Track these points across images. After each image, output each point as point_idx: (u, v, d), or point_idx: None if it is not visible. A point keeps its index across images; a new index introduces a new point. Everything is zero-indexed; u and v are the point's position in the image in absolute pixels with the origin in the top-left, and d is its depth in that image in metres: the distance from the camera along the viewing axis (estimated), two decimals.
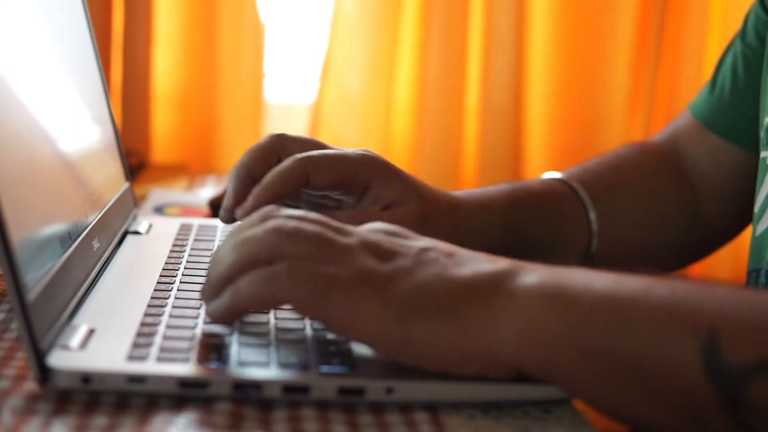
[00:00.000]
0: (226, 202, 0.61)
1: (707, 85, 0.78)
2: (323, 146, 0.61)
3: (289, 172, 0.58)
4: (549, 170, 0.75)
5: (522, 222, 0.67)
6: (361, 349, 0.48)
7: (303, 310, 0.45)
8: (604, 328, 0.43)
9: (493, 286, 0.46)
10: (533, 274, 0.46)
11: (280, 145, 0.61)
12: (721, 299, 0.43)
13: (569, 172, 0.74)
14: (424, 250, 0.48)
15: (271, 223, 0.47)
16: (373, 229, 0.49)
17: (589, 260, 0.71)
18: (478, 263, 0.47)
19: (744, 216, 0.77)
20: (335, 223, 0.48)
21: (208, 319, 0.49)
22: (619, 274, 0.45)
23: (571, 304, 0.44)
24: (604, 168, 0.75)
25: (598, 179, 0.73)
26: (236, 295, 0.46)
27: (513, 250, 0.63)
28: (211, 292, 0.47)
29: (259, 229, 0.47)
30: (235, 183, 0.60)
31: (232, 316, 0.47)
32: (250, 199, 0.58)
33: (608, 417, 0.45)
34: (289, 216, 0.48)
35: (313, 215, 0.48)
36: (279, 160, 0.60)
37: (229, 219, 0.60)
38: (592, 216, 0.71)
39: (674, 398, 0.42)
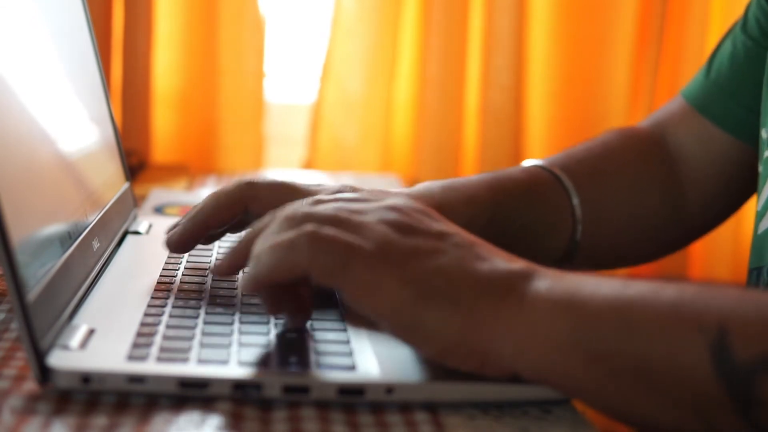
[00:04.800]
0: (171, 235, 0.59)
1: (702, 71, 0.77)
2: (293, 189, 0.60)
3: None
4: None
5: (507, 211, 0.67)
6: (361, 350, 0.49)
7: (323, 279, 0.45)
8: (611, 330, 0.43)
9: (506, 287, 0.46)
10: (545, 280, 0.46)
11: (250, 195, 0.59)
12: (729, 298, 0.43)
13: (551, 159, 0.73)
14: (446, 234, 0.48)
15: (283, 214, 0.48)
16: (393, 204, 0.49)
17: (574, 248, 0.70)
18: (496, 261, 0.47)
19: (728, 205, 0.77)
20: (353, 205, 0.49)
21: (206, 319, 0.49)
22: (627, 279, 0.45)
23: (578, 308, 0.44)
24: (587, 154, 0.74)
25: (580, 165, 0.72)
26: (258, 264, 0.46)
27: (497, 239, 0.62)
28: (225, 261, 0.48)
29: (273, 222, 0.48)
30: (187, 224, 0.59)
31: (257, 286, 0.47)
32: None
33: (614, 419, 0.45)
34: (303, 211, 0.48)
35: (329, 198, 0.49)
36: (246, 210, 0.59)
37: (171, 249, 0.59)
38: (575, 202, 0.70)
39: (683, 397, 0.42)
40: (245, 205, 0.59)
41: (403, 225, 0.47)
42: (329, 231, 0.45)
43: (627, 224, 0.74)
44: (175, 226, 0.60)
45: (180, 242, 0.59)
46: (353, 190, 0.60)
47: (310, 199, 0.50)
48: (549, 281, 0.46)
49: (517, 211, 0.68)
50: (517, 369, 0.45)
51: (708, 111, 0.75)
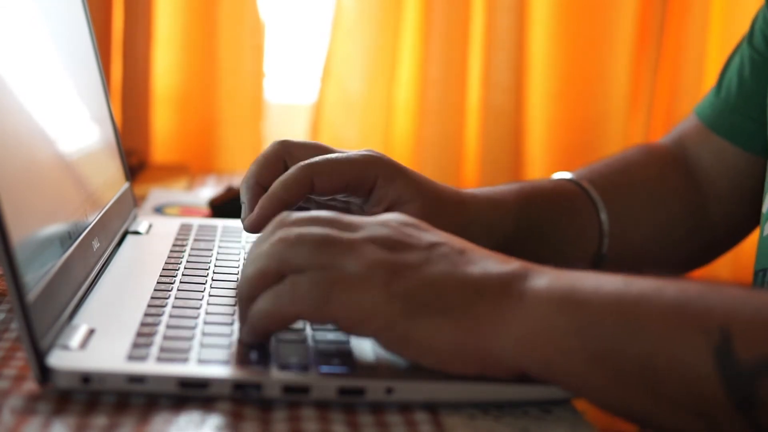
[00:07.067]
0: (243, 215, 0.61)
1: (713, 89, 0.78)
2: (327, 150, 0.61)
3: (292, 180, 0.58)
4: (550, 170, 0.76)
5: (533, 221, 0.67)
6: (361, 350, 0.49)
7: (312, 319, 0.46)
8: (614, 329, 0.43)
9: (503, 287, 0.45)
10: (543, 277, 0.46)
11: (285, 152, 0.61)
12: (732, 298, 0.43)
13: (579, 172, 0.74)
14: (436, 244, 0.47)
15: (277, 235, 0.47)
16: (385, 220, 0.49)
17: (600, 261, 0.71)
18: (489, 263, 0.47)
19: (751, 218, 0.77)
20: (345, 219, 0.48)
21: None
22: (629, 276, 0.45)
23: (580, 305, 0.44)
24: (613, 169, 0.76)
25: (607, 180, 0.73)
26: (251, 318, 0.46)
27: (523, 248, 0.62)
28: (240, 312, 0.48)
29: (266, 244, 0.47)
30: (247, 195, 0.60)
31: (256, 338, 0.47)
32: (256, 210, 0.58)
33: (616, 417, 0.45)
34: (295, 221, 0.48)
35: (323, 214, 0.48)
36: (286, 167, 0.60)
37: (247, 230, 0.61)
38: (603, 216, 0.71)
39: (685, 397, 0.42)
40: (284, 161, 0.61)
41: (390, 241, 0.47)
42: (309, 272, 0.45)
43: (652, 237, 0.75)
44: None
45: (252, 211, 0.59)
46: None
47: (299, 217, 0.49)
48: (547, 279, 0.46)
49: (544, 219, 0.68)
50: (522, 368, 0.45)
51: (720, 129, 0.76)
